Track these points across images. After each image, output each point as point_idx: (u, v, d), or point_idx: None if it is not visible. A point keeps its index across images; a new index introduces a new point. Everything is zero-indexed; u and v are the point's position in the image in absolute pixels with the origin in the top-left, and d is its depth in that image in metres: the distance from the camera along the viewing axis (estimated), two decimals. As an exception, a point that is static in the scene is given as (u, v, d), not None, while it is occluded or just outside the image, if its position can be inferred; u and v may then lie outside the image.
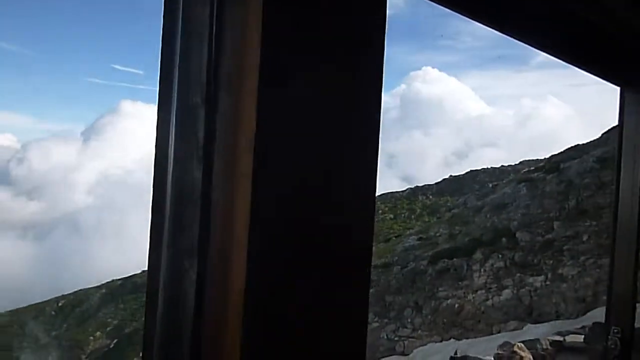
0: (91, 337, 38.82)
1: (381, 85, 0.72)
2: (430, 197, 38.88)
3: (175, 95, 0.75)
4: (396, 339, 14.48)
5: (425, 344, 12.74)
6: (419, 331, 14.39)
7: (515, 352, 6.72)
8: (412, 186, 43.27)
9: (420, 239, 20.00)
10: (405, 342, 14.16)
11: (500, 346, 7.08)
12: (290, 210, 0.64)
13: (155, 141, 0.81)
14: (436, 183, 41.46)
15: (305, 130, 0.66)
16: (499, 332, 12.34)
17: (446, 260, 16.12)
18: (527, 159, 31.41)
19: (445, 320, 14.26)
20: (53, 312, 48.69)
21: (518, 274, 14.28)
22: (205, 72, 0.69)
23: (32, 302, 51.97)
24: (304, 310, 0.65)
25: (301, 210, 0.65)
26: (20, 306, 51.45)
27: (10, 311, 51.11)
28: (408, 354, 12.66)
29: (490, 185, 25.23)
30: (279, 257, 0.63)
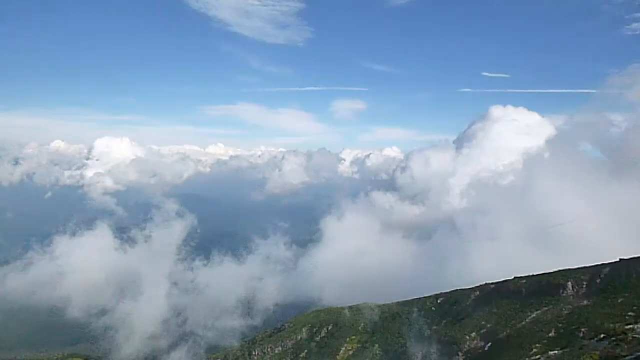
0: (467, 337, 40.96)
1: None
2: None
3: None
4: None
5: None
6: None
7: None
8: None
9: None
10: None
11: None
12: None
13: None
14: None
15: None
16: None
17: None
18: None
19: None
20: (433, 308, 54.08)
21: None
22: None
23: (416, 296, 59.49)
24: None
25: None
26: (407, 298, 59.77)
27: (398, 302, 59.96)
28: None
29: None
30: None
